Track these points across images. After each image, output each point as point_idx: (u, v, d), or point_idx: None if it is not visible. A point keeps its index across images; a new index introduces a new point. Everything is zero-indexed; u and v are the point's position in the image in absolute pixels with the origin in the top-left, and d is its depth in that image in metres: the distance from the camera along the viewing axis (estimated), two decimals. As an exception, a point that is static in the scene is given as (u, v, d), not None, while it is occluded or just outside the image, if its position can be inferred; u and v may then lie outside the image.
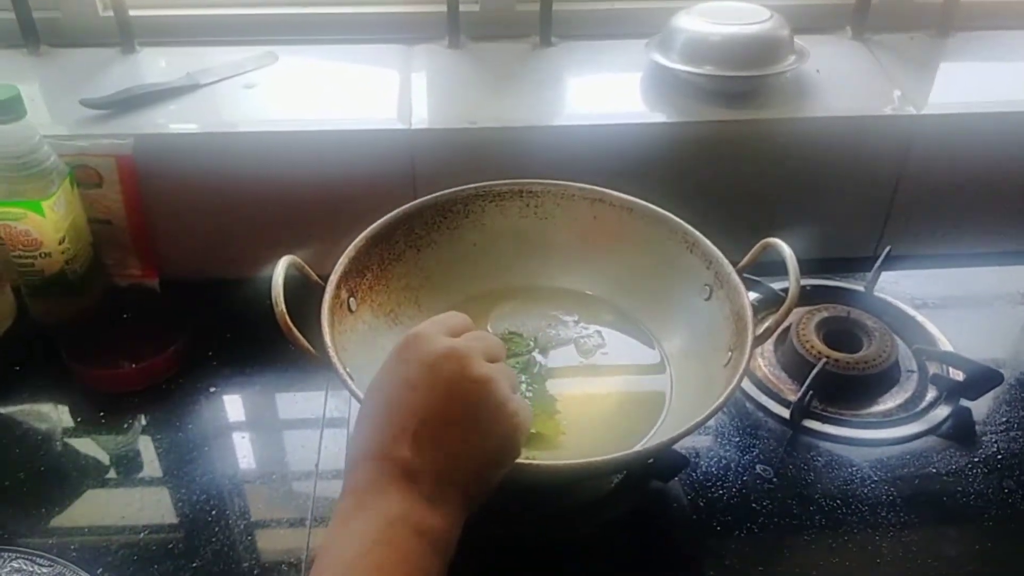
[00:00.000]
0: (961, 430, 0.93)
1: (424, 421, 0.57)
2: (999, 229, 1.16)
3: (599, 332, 0.94)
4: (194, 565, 0.80)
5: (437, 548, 0.55)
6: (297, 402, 0.97)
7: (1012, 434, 0.92)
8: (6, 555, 0.76)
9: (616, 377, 0.91)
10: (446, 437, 0.57)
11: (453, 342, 0.61)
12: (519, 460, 0.63)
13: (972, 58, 1.22)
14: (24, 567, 0.76)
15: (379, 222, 0.89)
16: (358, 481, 0.57)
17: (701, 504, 0.85)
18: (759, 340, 0.80)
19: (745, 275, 0.86)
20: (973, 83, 1.17)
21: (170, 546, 0.81)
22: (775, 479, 0.87)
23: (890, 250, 1.08)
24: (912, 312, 1.05)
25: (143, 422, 0.94)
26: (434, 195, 0.92)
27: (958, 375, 0.96)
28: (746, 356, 0.77)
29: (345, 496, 0.57)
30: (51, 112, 1.05)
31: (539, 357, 0.91)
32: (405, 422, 0.57)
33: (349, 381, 0.75)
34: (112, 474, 0.89)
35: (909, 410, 0.94)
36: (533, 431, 0.81)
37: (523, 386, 0.87)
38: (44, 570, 0.76)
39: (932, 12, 1.24)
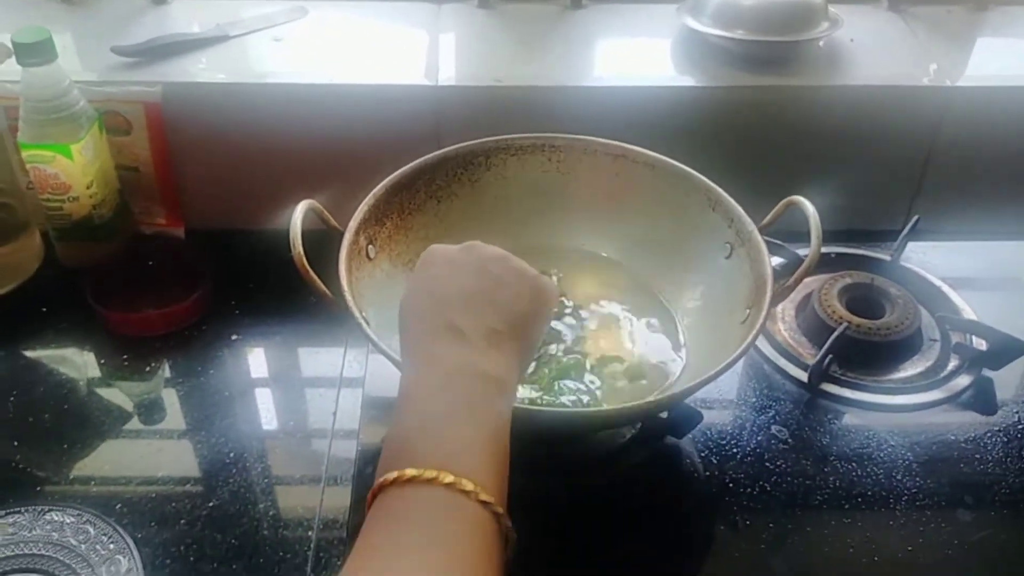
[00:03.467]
0: (982, 399, 0.92)
1: (461, 295, 0.63)
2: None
3: (617, 291, 0.94)
4: (210, 504, 0.81)
5: (503, 393, 0.59)
6: (318, 352, 0.98)
7: (1033, 405, 0.92)
8: (40, 509, 0.79)
9: (632, 334, 0.91)
10: (482, 303, 0.62)
11: (466, 243, 0.68)
12: (534, 407, 0.68)
13: (1009, 34, 1.21)
14: (55, 518, 0.78)
15: (400, 171, 0.89)
16: (415, 354, 0.61)
17: (715, 461, 0.85)
18: (778, 297, 0.79)
19: (769, 239, 0.86)
20: (1009, 58, 1.16)
21: (188, 486, 0.83)
22: (790, 440, 0.87)
23: (918, 220, 1.06)
24: (938, 283, 1.04)
25: (165, 367, 0.96)
26: (456, 146, 0.93)
27: (981, 344, 0.95)
28: (764, 312, 0.76)
29: (405, 367, 0.61)
30: (82, 59, 1.06)
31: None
32: (444, 302, 0.62)
33: (365, 325, 0.75)
34: (133, 416, 0.91)
35: (930, 378, 0.93)
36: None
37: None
38: (71, 519, 0.78)
39: (970, -15, 1.22)
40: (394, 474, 0.51)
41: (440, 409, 0.56)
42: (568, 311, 0.93)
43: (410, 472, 0.51)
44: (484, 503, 0.51)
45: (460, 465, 0.52)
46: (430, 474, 0.51)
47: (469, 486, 0.51)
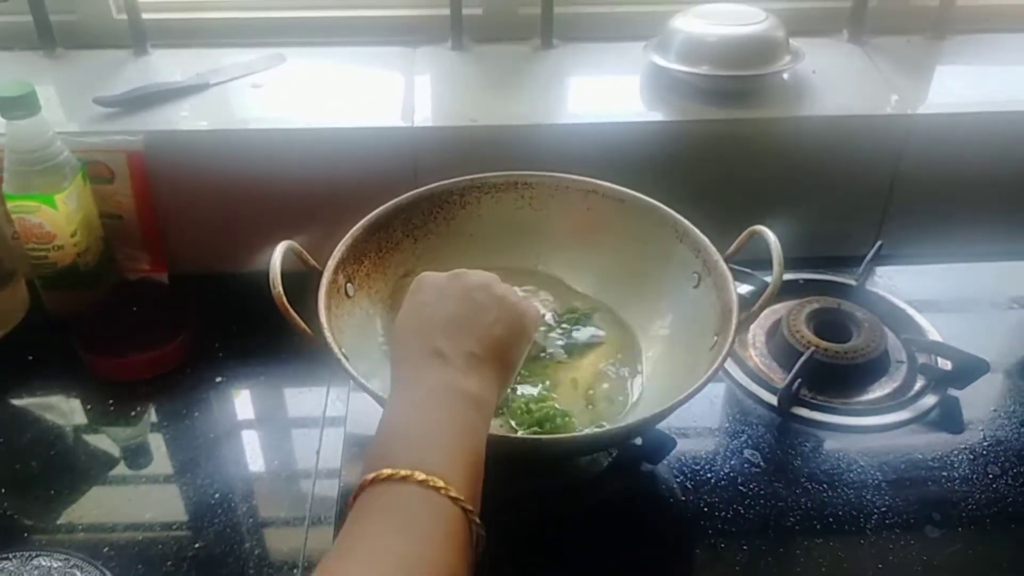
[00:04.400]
0: (948, 418, 0.95)
1: (445, 321, 0.68)
2: (993, 228, 1.17)
3: (587, 318, 0.97)
4: (196, 546, 0.82)
5: (480, 409, 0.64)
6: (301, 393, 1.00)
7: (998, 422, 0.94)
8: (27, 554, 0.80)
9: (601, 363, 0.93)
10: (463, 329, 0.68)
11: (454, 271, 0.74)
12: (509, 435, 0.73)
13: (968, 61, 1.24)
14: (43, 563, 0.79)
15: (377, 211, 0.91)
16: (401, 373, 0.67)
17: (689, 486, 0.87)
18: (744, 323, 0.82)
19: (737, 267, 0.88)
20: (968, 85, 1.19)
21: (174, 528, 0.84)
22: (763, 463, 0.89)
23: (881, 245, 1.09)
24: (903, 305, 1.06)
25: (150, 411, 0.97)
26: (430, 186, 0.95)
27: (947, 365, 0.98)
28: (730, 339, 0.79)
29: (393, 386, 0.67)
30: (65, 110, 1.08)
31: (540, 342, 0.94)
32: (431, 325, 0.68)
33: (344, 361, 0.77)
34: (119, 461, 0.92)
35: (897, 398, 0.96)
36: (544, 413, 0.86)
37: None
38: (58, 564, 0.79)
39: (928, 16, 1.26)
40: (372, 474, 0.56)
41: (419, 418, 0.62)
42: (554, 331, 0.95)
43: (386, 471, 0.56)
44: (454, 499, 0.56)
45: (433, 465, 0.57)
46: (404, 472, 0.56)
47: (440, 483, 0.56)
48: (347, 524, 0.56)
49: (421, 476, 0.55)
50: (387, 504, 0.56)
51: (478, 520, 0.57)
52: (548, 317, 0.96)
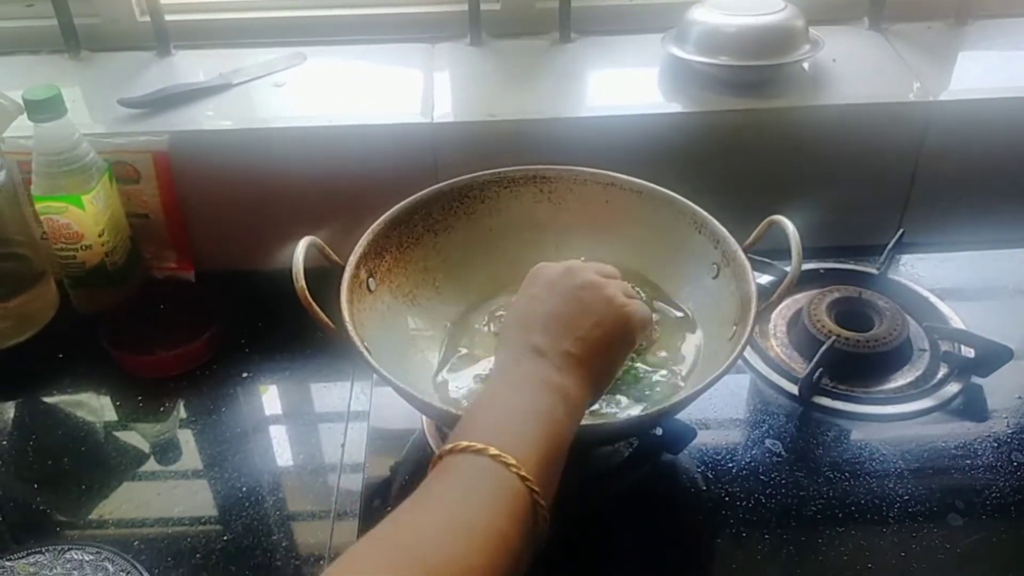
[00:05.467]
0: (971, 406, 0.94)
1: (548, 317, 0.70)
2: (1016, 215, 1.16)
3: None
4: (225, 539, 0.83)
5: (567, 404, 0.65)
6: (326, 386, 1.01)
7: (1023, 410, 0.93)
8: (59, 548, 0.81)
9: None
10: (567, 326, 0.69)
11: (569, 263, 0.75)
12: None
13: (990, 46, 1.23)
14: (75, 556, 0.81)
15: (398, 206, 0.92)
16: (502, 359, 0.71)
17: (711, 476, 0.87)
18: (763, 312, 0.82)
19: (757, 258, 0.88)
20: (991, 70, 1.18)
21: (203, 522, 0.85)
22: (784, 453, 0.89)
23: (903, 233, 1.09)
24: (925, 293, 1.06)
25: (179, 407, 0.99)
26: (451, 181, 0.96)
27: (970, 353, 0.97)
28: (748, 329, 0.79)
29: (494, 368, 0.70)
30: (91, 112, 1.10)
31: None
32: (534, 320, 0.70)
33: (367, 353, 0.78)
34: (149, 457, 0.93)
35: (920, 387, 0.95)
36: None
37: None
38: (89, 557, 0.81)
39: (949, 1, 1.25)
40: (451, 444, 0.60)
41: (507, 401, 0.65)
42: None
43: (463, 443, 0.59)
44: (523, 477, 0.58)
45: (509, 445, 0.59)
46: (479, 445, 0.58)
47: (511, 460, 0.58)
48: (421, 488, 0.58)
49: (494, 451, 0.58)
50: (457, 471, 0.59)
51: (543, 503, 0.59)
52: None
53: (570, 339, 0.68)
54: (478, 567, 0.53)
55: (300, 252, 0.81)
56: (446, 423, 0.80)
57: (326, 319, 0.80)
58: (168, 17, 1.20)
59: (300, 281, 0.79)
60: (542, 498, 0.58)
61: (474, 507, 0.56)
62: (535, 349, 0.68)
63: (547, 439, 0.62)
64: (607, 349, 0.70)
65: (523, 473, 0.58)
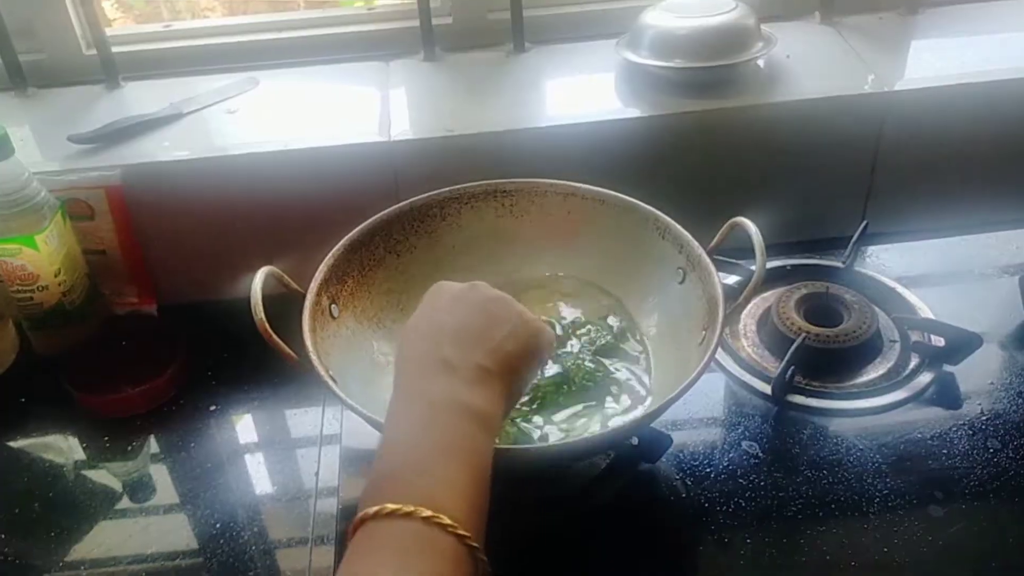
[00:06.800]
0: (944, 395, 0.94)
1: (458, 330, 0.66)
2: (977, 199, 1.17)
3: (578, 322, 0.96)
4: (203, 573, 0.82)
5: (484, 427, 0.62)
6: (296, 413, 0.99)
7: (995, 395, 0.93)
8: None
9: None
10: (478, 338, 0.66)
11: (473, 282, 0.72)
12: (503, 447, 0.71)
13: (941, 34, 1.23)
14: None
15: (357, 229, 0.91)
16: (407, 380, 0.65)
17: (689, 483, 0.86)
18: (731, 315, 0.82)
19: (723, 259, 0.88)
20: (944, 58, 1.18)
21: (178, 560, 0.84)
22: (761, 454, 0.89)
23: (866, 225, 1.09)
24: (892, 284, 1.06)
25: (147, 444, 0.97)
26: (410, 200, 0.95)
27: (939, 341, 0.97)
28: (717, 332, 0.78)
29: (395, 395, 0.64)
30: (41, 150, 1.08)
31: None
32: (441, 333, 0.66)
33: (332, 384, 0.77)
34: (119, 497, 0.92)
35: (892, 379, 0.95)
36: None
37: None
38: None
39: (899, -9, 1.26)
40: (375, 508, 0.54)
41: (423, 445, 0.59)
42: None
43: (390, 507, 0.54)
44: (460, 537, 0.53)
45: (438, 500, 0.55)
46: (408, 508, 0.53)
47: (446, 520, 0.53)
48: (347, 559, 0.54)
49: (426, 513, 0.53)
50: (389, 542, 0.54)
51: (484, 557, 0.55)
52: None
53: (481, 351, 0.65)
54: None
55: (258, 283, 0.80)
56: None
57: (288, 350, 0.78)
58: (115, 49, 1.18)
59: (259, 313, 0.77)
60: (482, 553, 0.55)
61: None
62: (444, 362, 0.64)
63: (473, 479, 0.58)
64: (519, 364, 0.67)
65: (460, 532, 0.53)
